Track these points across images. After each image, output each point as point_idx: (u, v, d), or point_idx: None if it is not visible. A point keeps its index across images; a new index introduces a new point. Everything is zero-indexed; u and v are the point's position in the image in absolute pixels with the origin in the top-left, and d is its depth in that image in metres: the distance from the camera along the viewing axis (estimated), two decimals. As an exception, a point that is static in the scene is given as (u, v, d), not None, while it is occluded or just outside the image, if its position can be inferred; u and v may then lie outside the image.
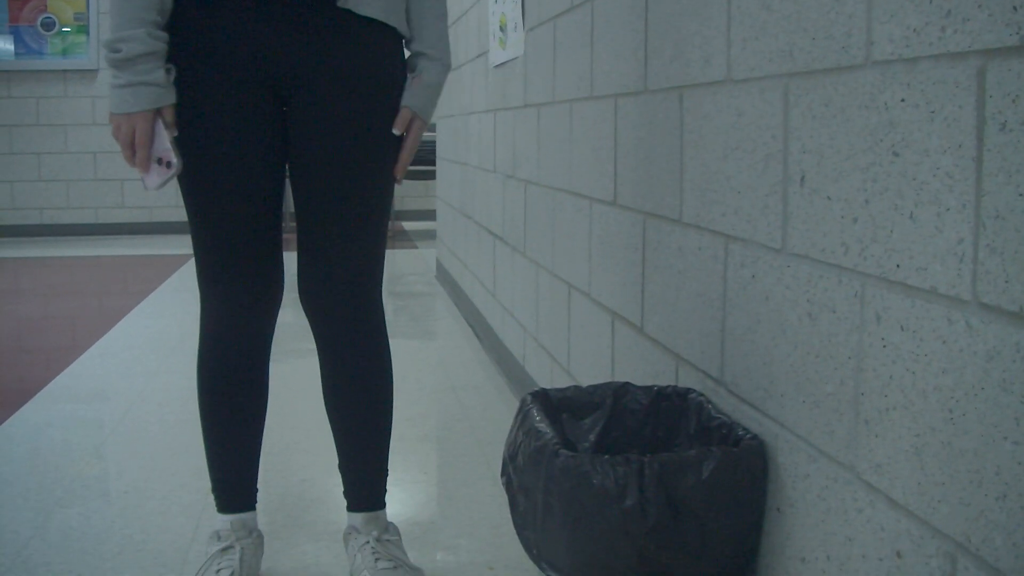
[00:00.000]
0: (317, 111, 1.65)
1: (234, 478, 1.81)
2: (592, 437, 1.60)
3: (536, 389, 1.62)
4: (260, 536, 1.85)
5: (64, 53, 7.93)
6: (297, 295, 1.77)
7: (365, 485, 1.84)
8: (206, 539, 1.87)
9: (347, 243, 1.71)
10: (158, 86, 1.56)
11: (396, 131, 1.69)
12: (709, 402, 1.49)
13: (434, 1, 1.73)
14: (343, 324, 1.75)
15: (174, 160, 1.59)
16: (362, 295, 1.75)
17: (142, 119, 1.56)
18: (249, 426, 1.80)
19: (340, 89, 1.65)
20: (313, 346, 1.81)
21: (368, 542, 1.79)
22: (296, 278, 1.76)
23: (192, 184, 1.64)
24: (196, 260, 1.71)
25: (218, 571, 1.73)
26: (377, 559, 1.76)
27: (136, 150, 1.58)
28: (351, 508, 1.85)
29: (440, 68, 1.74)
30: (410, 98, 1.71)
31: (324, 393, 1.82)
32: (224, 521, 1.80)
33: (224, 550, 1.77)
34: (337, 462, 1.85)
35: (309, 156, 1.67)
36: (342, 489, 1.86)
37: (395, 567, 1.75)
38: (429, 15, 1.73)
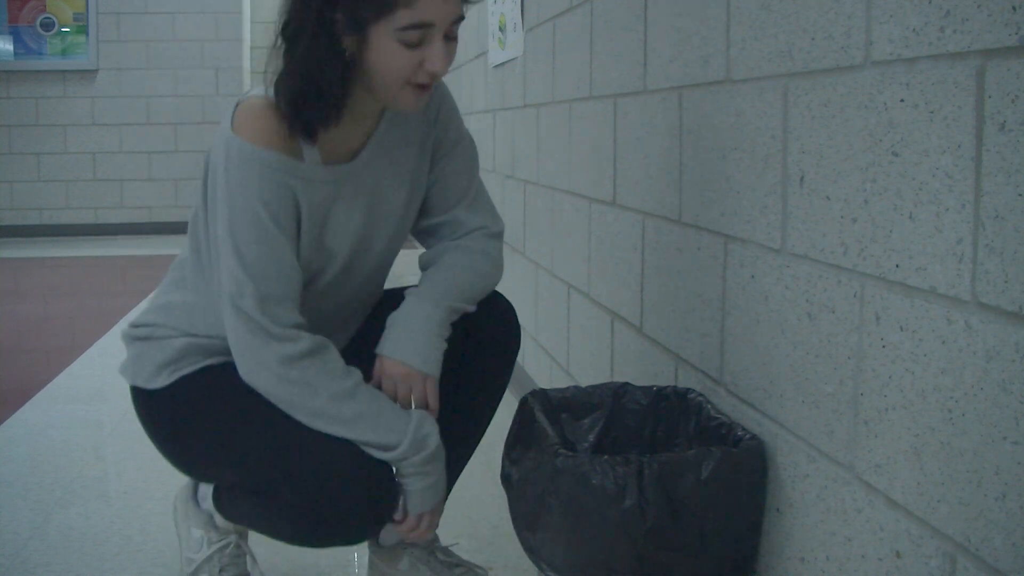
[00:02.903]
0: None
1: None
2: (591, 437, 1.60)
3: (535, 389, 1.62)
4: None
5: (63, 53, 7.93)
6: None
7: None
8: (204, 538, 1.87)
9: None
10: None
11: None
12: (708, 402, 1.49)
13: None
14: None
15: None
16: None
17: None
18: None
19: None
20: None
21: (432, 552, 1.74)
22: None
23: None
24: None
25: (219, 571, 1.73)
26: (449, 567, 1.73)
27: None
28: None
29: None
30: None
31: None
32: (223, 520, 1.80)
33: (223, 548, 1.77)
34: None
35: None
36: None
37: (466, 570, 1.74)
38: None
